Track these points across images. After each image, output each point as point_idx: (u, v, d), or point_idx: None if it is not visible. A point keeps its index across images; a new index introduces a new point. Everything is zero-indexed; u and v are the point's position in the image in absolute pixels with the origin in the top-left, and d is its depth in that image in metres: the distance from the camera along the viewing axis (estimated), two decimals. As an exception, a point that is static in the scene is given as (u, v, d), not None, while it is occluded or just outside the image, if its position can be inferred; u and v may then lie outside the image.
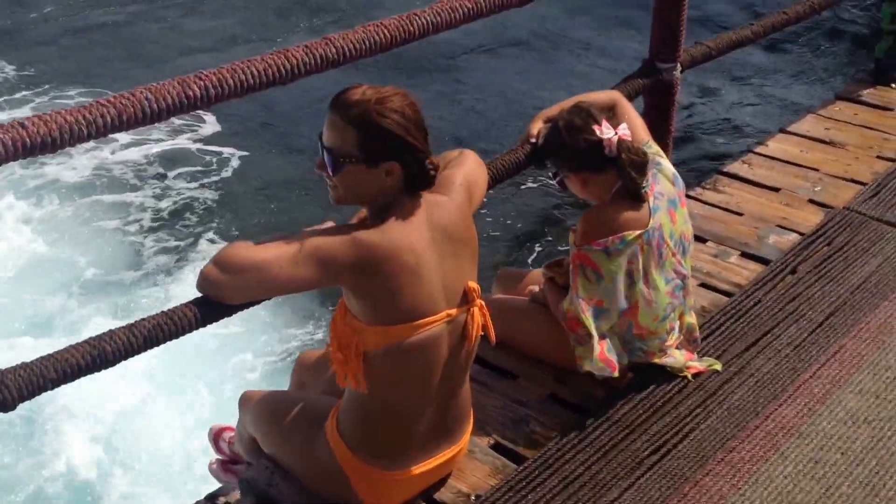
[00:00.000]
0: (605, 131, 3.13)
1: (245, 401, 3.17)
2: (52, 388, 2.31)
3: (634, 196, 3.18)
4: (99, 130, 2.18)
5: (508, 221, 6.50)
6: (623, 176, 3.16)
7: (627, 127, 3.21)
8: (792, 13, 4.82)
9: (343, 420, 2.81)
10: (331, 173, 2.55)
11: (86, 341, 2.37)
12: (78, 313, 6.35)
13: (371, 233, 2.52)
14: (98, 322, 6.06)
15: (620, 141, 3.14)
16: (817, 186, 4.84)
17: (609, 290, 3.20)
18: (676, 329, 3.43)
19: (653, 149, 3.35)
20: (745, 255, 4.31)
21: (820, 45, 8.74)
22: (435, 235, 2.61)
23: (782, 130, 5.50)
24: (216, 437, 3.59)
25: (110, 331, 2.41)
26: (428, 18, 2.90)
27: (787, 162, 5.11)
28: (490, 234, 6.29)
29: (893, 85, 5.92)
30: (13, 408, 2.26)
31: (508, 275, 3.97)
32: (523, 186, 6.66)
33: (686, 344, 3.49)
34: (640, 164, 3.17)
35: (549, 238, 6.31)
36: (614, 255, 3.16)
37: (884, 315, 3.77)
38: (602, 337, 3.24)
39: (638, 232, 3.16)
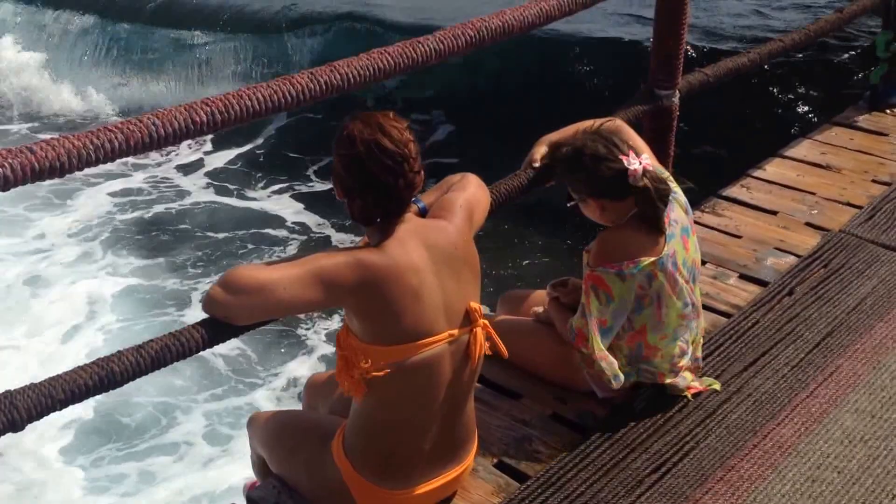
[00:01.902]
0: (632, 161, 3.08)
1: (253, 421, 3.15)
2: (61, 409, 2.28)
3: (654, 225, 3.14)
4: (107, 155, 2.16)
5: (511, 244, 6.47)
6: (646, 205, 3.11)
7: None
8: (788, 41, 4.81)
9: (349, 439, 2.78)
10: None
11: (94, 362, 2.34)
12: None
13: (373, 254, 2.51)
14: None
15: (645, 171, 3.09)
16: (814, 210, 4.81)
17: (616, 312, 3.17)
18: (689, 353, 3.39)
19: (665, 175, 3.31)
20: (743, 276, 4.29)
21: (816, 71, 8.70)
22: (435, 257, 2.59)
23: (779, 155, 5.48)
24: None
25: (118, 352, 2.38)
26: (431, 45, 2.88)
27: (785, 186, 5.08)
28: (493, 257, 6.26)
29: (888, 111, 5.89)
30: (22, 428, 2.23)
31: (512, 296, 3.93)
32: (526, 209, 6.62)
33: (690, 364, 3.45)
34: (663, 194, 3.13)
35: (552, 260, 6.28)
36: (628, 280, 3.13)
37: (879, 336, 3.74)
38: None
39: (653, 258, 3.13)
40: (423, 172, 2.61)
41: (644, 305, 3.18)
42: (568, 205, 3.33)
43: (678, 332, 3.28)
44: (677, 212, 3.24)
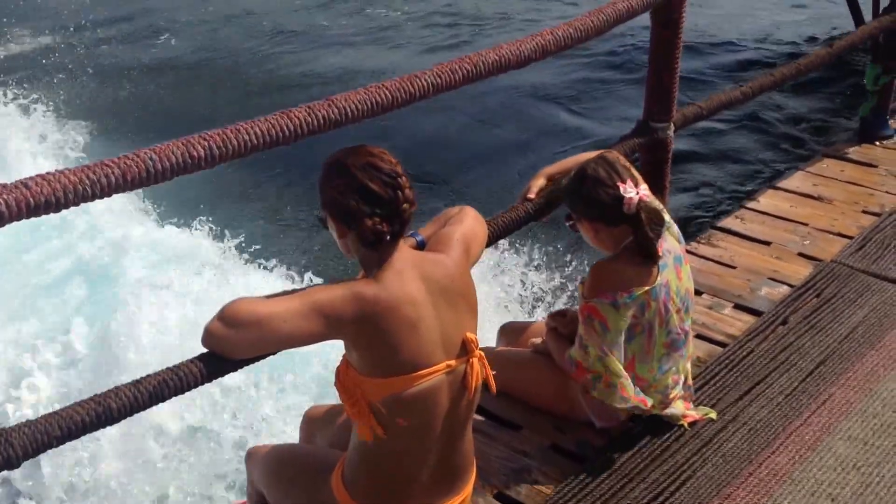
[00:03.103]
0: (629, 190, 3.03)
1: (251, 456, 3.08)
2: (57, 446, 2.21)
3: (647, 255, 3.08)
4: (103, 190, 2.10)
5: (510, 276, 6.41)
6: (639, 235, 3.06)
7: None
8: (779, 75, 4.77)
9: (348, 471, 2.72)
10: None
11: (91, 398, 2.27)
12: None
13: (370, 287, 2.45)
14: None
15: (640, 201, 3.04)
16: (806, 240, 4.77)
17: (614, 342, 3.12)
18: (680, 383, 3.33)
19: (658, 206, 3.26)
20: (738, 306, 4.26)
21: (807, 104, 8.68)
22: (432, 289, 2.54)
23: (773, 186, 5.47)
24: None
25: (115, 387, 2.31)
26: (429, 80, 2.82)
27: (778, 217, 5.06)
28: (491, 289, 6.19)
29: (878, 143, 5.86)
30: (17, 465, 2.15)
31: (511, 328, 3.88)
32: (525, 240, 6.57)
33: (682, 393, 3.39)
34: (657, 225, 3.08)
35: (551, 291, 6.22)
36: (622, 309, 3.07)
37: (870, 364, 3.70)
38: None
39: (646, 288, 3.07)
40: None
41: (635, 334, 3.13)
42: (567, 223, 3.27)
43: (664, 363, 3.22)
44: (670, 242, 3.18)
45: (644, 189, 3.09)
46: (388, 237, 2.46)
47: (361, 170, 2.44)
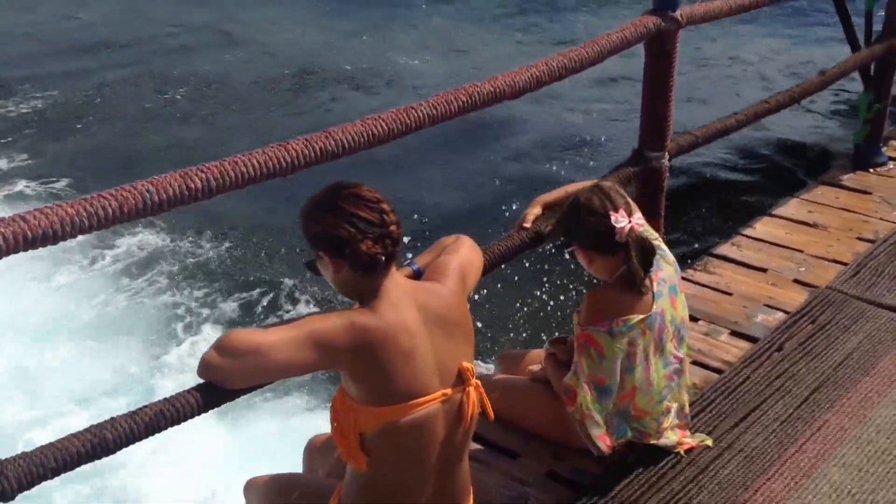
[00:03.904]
0: (620, 220, 3.02)
1: (250, 486, 3.06)
2: (53, 477, 2.18)
3: (642, 284, 3.07)
4: (101, 222, 2.09)
5: (508, 303, 6.41)
6: (629, 264, 3.05)
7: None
8: (773, 102, 4.78)
9: (345, 500, 2.71)
10: (314, 273, 2.59)
11: (87, 429, 2.25)
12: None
13: (366, 316, 2.44)
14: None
15: (631, 230, 3.04)
16: (802, 267, 4.77)
17: (610, 370, 3.11)
18: (673, 411, 3.32)
19: (652, 234, 3.26)
20: (734, 333, 4.25)
21: (802, 132, 8.70)
22: (428, 319, 2.53)
23: (768, 214, 5.47)
24: None
25: (112, 418, 2.29)
26: (424, 111, 2.83)
27: (774, 244, 5.05)
28: (489, 317, 6.19)
29: (871, 170, 5.87)
30: (12, 498, 2.13)
31: (509, 356, 3.87)
32: (524, 269, 6.57)
33: (677, 420, 3.37)
34: (647, 255, 3.07)
35: (549, 319, 6.21)
36: (618, 337, 3.06)
37: (865, 390, 3.69)
38: (606, 417, 3.14)
39: (641, 316, 3.06)
40: None
41: (634, 365, 3.11)
42: (565, 250, 3.27)
43: (664, 393, 3.21)
44: (665, 270, 3.18)
45: (638, 218, 3.08)
46: (383, 258, 2.46)
47: (345, 200, 2.45)
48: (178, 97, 11.02)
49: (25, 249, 1.97)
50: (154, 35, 12.93)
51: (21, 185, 9.05)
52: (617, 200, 3.08)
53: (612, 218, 3.02)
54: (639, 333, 3.07)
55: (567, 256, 3.33)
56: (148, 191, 2.18)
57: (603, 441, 3.16)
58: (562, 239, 3.28)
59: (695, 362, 3.97)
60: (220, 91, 11.19)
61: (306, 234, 2.52)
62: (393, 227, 2.49)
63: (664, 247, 3.27)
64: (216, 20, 13.28)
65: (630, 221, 3.03)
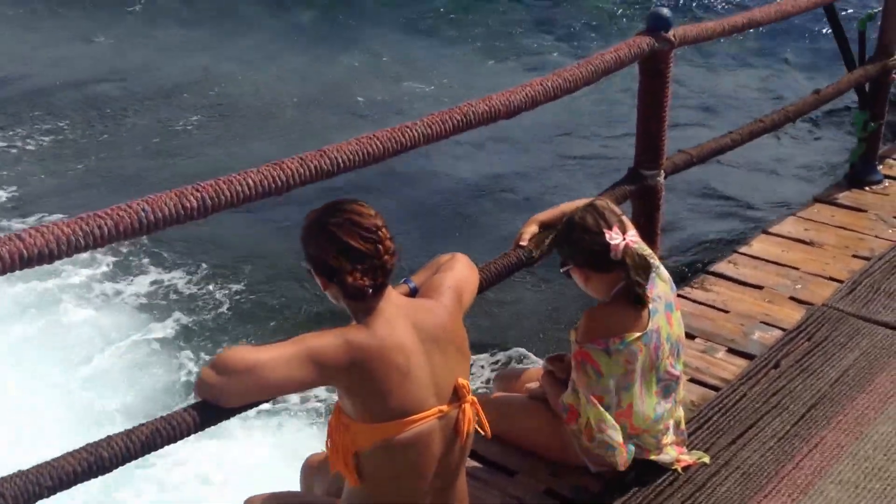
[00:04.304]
0: (614, 237, 3.03)
1: None
2: (49, 496, 2.18)
3: (635, 300, 3.08)
4: (96, 241, 2.10)
5: (503, 322, 6.41)
6: (626, 280, 3.06)
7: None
8: (768, 121, 4.80)
9: (342, 518, 2.69)
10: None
11: (83, 448, 2.25)
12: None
13: (361, 334, 2.45)
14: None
15: (626, 247, 3.04)
16: (798, 284, 4.77)
17: (608, 388, 3.10)
18: (672, 428, 3.31)
19: (646, 252, 3.27)
20: (731, 350, 4.25)
21: (797, 150, 8.73)
22: (423, 336, 2.54)
23: (765, 231, 5.47)
24: None
25: (108, 437, 2.29)
26: (419, 130, 2.84)
27: (770, 261, 5.05)
28: (486, 335, 6.19)
29: (867, 188, 5.87)
30: None
31: (507, 374, 3.88)
32: (517, 288, 6.58)
33: (674, 437, 3.37)
34: (644, 270, 3.07)
35: (544, 338, 6.21)
36: (614, 355, 3.06)
37: (861, 407, 3.68)
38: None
39: (638, 334, 3.07)
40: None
41: (630, 382, 3.11)
42: (561, 270, 3.28)
43: (659, 411, 3.20)
44: (660, 287, 3.18)
45: (631, 235, 3.09)
46: (371, 290, 2.47)
47: (340, 227, 2.46)
48: (181, 126, 11.06)
49: (22, 268, 1.98)
50: (149, 65, 13.01)
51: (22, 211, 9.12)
52: (610, 218, 3.09)
53: (607, 235, 3.03)
54: (636, 351, 3.08)
55: (563, 274, 3.33)
56: (143, 210, 2.19)
57: (621, 455, 3.15)
58: (562, 261, 3.29)
59: (692, 379, 3.96)
60: (220, 119, 11.23)
61: (302, 244, 2.53)
62: (387, 258, 2.50)
63: (659, 264, 3.28)
64: (218, 53, 13.34)
65: (624, 239, 3.04)
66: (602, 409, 3.10)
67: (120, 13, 15.05)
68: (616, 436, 3.12)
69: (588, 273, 3.16)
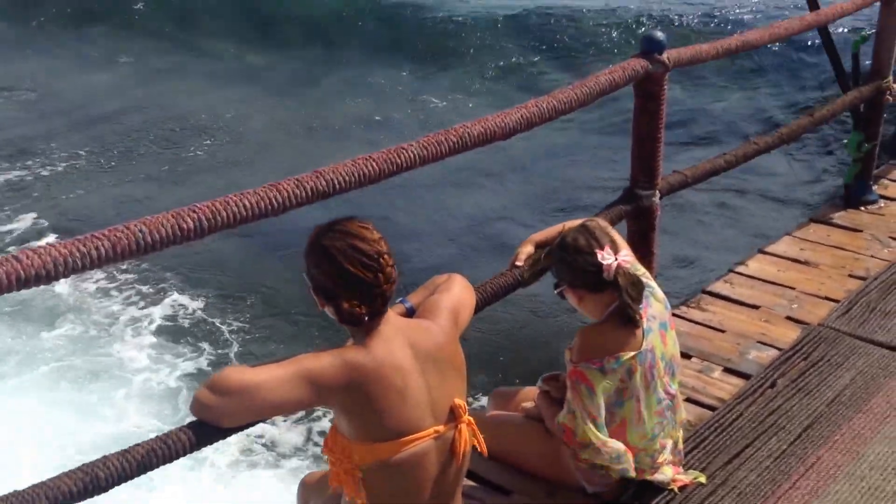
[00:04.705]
0: (606, 257, 3.05)
1: None
2: (45, 515, 2.18)
3: (628, 320, 3.09)
4: (93, 262, 2.11)
5: (499, 341, 6.42)
6: (619, 300, 3.07)
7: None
8: (762, 143, 4.83)
9: (339, 537, 2.69)
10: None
11: (79, 468, 2.25)
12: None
13: (358, 354, 2.47)
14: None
15: (619, 267, 3.06)
16: (794, 304, 4.78)
17: (601, 406, 3.10)
18: (668, 447, 3.31)
19: (641, 271, 3.28)
20: (727, 370, 4.26)
21: (793, 170, 8.76)
22: (420, 356, 2.55)
23: (761, 251, 5.48)
24: None
25: (104, 457, 2.30)
26: (415, 151, 2.85)
27: (766, 281, 5.06)
28: (482, 354, 6.19)
29: (862, 208, 5.90)
30: None
31: (502, 393, 3.87)
32: (514, 307, 6.59)
33: (671, 457, 3.37)
34: (636, 290, 3.09)
35: (540, 358, 6.22)
36: (609, 374, 3.07)
37: (858, 426, 3.68)
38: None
39: (632, 353, 3.07)
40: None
41: (625, 399, 3.12)
42: (555, 291, 3.29)
43: (656, 430, 3.21)
44: (655, 307, 3.19)
45: (624, 255, 3.11)
46: (367, 317, 2.49)
47: (342, 253, 2.48)
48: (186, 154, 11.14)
49: (19, 289, 1.99)
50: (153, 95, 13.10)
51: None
52: (602, 238, 3.11)
53: (598, 255, 3.05)
54: (630, 370, 3.08)
55: (557, 295, 3.35)
56: (141, 231, 2.20)
57: (629, 462, 3.15)
58: (556, 282, 3.31)
59: (688, 399, 3.97)
60: (222, 146, 11.31)
61: (305, 258, 2.55)
62: (386, 287, 2.52)
63: (653, 283, 3.29)
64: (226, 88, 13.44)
65: (616, 259, 3.06)
66: (596, 426, 3.10)
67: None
68: (618, 445, 3.13)
69: (581, 293, 3.17)
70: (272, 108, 12.22)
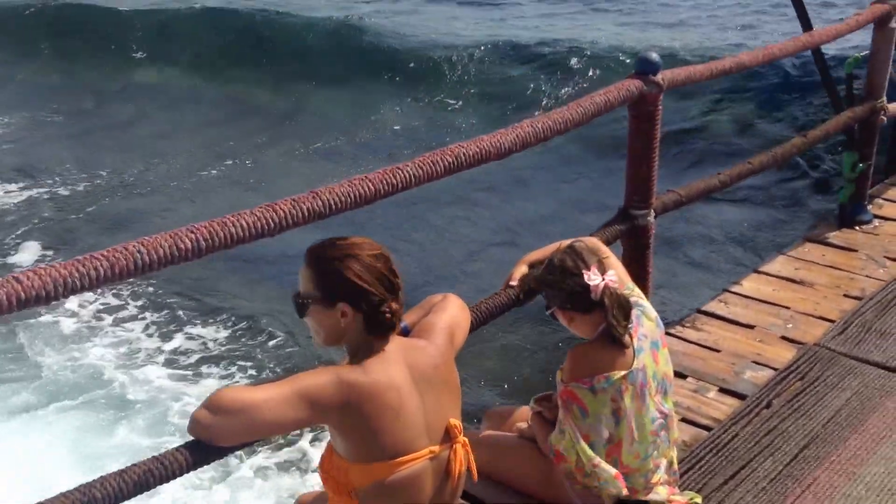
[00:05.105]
0: (593, 277, 3.08)
1: None
2: (42, 535, 2.19)
3: (622, 340, 3.11)
4: (92, 283, 2.13)
5: (494, 361, 6.43)
6: (607, 320, 3.10)
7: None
8: (756, 163, 4.87)
9: (335, 557, 2.69)
10: (298, 315, 2.59)
11: (76, 489, 2.26)
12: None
13: (354, 373, 2.48)
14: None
15: (606, 287, 3.09)
16: (789, 324, 4.80)
17: (594, 426, 3.12)
18: (662, 467, 3.32)
19: (634, 292, 3.31)
20: (722, 390, 4.28)
21: (787, 190, 8.80)
22: (416, 376, 2.57)
23: (756, 270, 5.52)
24: None
25: (101, 477, 2.30)
26: (410, 171, 2.88)
27: (761, 301, 5.09)
28: (477, 374, 6.21)
29: (857, 227, 5.94)
30: None
31: (497, 412, 3.88)
32: (508, 327, 6.61)
33: (667, 477, 3.38)
34: (624, 310, 3.11)
35: (535, 377, 6.23)
36: (600, 394, 3.09)
37: (854, 447, 3.70)
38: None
39: (623, 372, 3.09)
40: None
41: (620, 418, 3.13)
42: (546, 312, 3.32)
43: (650, 450, 3.22)
44: (646, 326, 3.21)
45: (611, 275, 3.13)
46: (389, 314, 2.54)
47: (375, 258, 2.54)
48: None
49: (19, 309, 2.01)
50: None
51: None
52: (589, 259, 3.14)
53: (585, 276, 3.08)
54: (621, 389, 3.10)
55: (550, 317, 3.37)
56: (139, 251, 2.22)
57: (616, 486, 3.16)
58: (546, 303, 3.33)
59: (683, 419, 3.99)
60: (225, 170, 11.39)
61: (323, 273, 2.54)
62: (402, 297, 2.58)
63: (644, 303, 3.31)
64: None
65: (603, 279, 3.09)
66: (586, 447, 3.12)
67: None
68: (609, 468, 3.14)
69: (571, 314, 3.20)
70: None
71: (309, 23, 15.54)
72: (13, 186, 11.33)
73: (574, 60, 13.04)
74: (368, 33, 15.04)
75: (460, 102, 12.92)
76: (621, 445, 3.17)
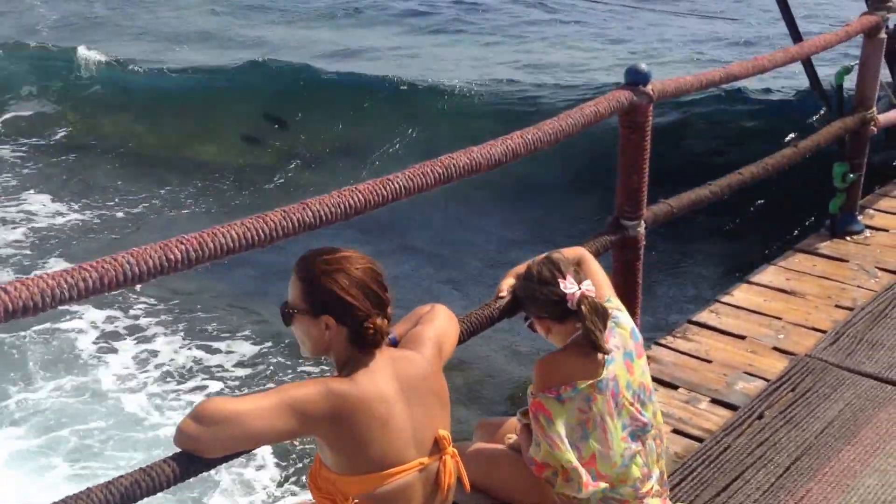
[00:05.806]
0: (569, 286, 3.10)
1: None
2: (29, 548, 2.19)
3: (593, 347, 3.12)
4: (80, 293, 2.13)
5: (483, 372, 6.44)
6: (582, 328, 3.12)
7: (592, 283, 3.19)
8: (747, 174, 4.89)
9: (326, 571, 2.69)
10: (285, 324, 2.61)
11: (62, 501, 2.26)
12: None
13: (342, 383, 2.49)
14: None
15: (583, 296, 3.10)
16: (780, 334, 4.83)
17: (561, 435, 3.12)
18: (654, 478, 3.33)
19: (612, 303, 3.32)
20: (714, 401, 4.30)
21: (778, 200, 8.84)
22: (404, 387, 2.58)
23: (746, 281, 5.53)
24: None
25: (87, 489, 2.30)
26: (401, 183, 2.89)
27: (752, 311, 5.12)
28: (466, 385, 6.22)
29: (848, 237, 5.97)
30: None
31: (487, 424, 3.88)
32: (498, 338, 6.62)
33: (658, 488, 3.38)
34: (600, 318, 3.12)
35: (525, 389, 6.24)
36: (566, 403, 3.09)
37: (847, 459, 3.71)
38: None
39: (590, 381, 3.10)
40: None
41: (589, 431, 3.13)
42: (525, 323, 3.33)
43: (626, 456, 3.21)
44: (619, 337, 3.22)
45: (587, 285, 3.15)
46: (376, 342, 2.55)
47: (364, 273, 2.55)
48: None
49: (7, 320, 2.01)
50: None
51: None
52: (565, 268, 3.16)
53: (562, 285, 3.10)
54: (588, 399, 3.10)
55: (528, 328, 3.39)
56: (128, 262, 2.22)
57: (579, 477, 3.15)
58: (525, 315, 3.35)
59: (675, 430, 4.00)
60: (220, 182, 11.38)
61: (311, 283, 2.55)
62: (390, 312, 2.59)
63: (619, 314, 3.31)
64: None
65: (580, 288, 3.11)
66: (566, 451, 3.12)
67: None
68: (581, 470, 3.13)
69: (548, 324, 3.22)
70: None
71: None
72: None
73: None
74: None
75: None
76: (595, 457, 3.17)
